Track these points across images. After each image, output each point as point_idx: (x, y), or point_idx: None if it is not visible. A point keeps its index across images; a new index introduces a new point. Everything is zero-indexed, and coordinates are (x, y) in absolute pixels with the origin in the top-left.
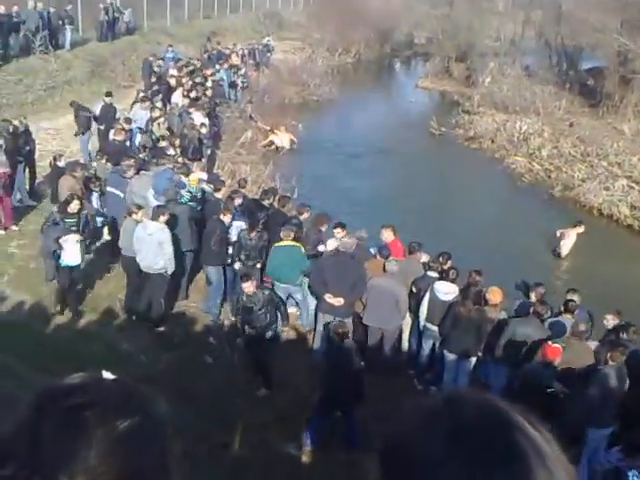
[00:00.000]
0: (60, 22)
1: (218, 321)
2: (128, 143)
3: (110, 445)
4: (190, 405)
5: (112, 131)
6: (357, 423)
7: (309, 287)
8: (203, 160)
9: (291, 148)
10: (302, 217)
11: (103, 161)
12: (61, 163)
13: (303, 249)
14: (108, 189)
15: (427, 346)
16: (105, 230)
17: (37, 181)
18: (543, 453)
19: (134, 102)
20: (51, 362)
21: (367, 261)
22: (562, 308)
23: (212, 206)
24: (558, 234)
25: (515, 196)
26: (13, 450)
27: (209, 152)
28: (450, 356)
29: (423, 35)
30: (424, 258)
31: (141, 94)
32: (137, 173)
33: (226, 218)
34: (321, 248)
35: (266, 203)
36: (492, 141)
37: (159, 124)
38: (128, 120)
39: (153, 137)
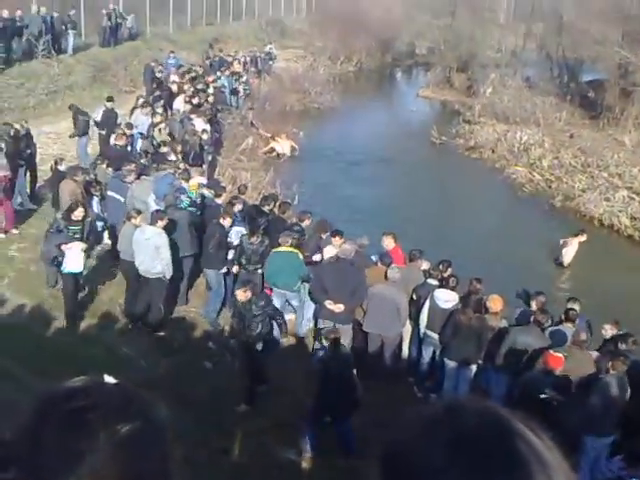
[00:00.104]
0: (63, 27)
1: (217, 326)
2: (129, 148)
3: (111, 449)
4: (189, 410)
5: (113, 136)
6: (354, 429)
7: (309, 293)
8: (204, 166)
9: (292, 155)
10: (303, 224)
11: (104, 166)
12: (62, 167)
13: (301, 255)
14: (109, 194)
15: (427, 354)
16: (105, 234)
17: (38, 185)
18: (544, 460)
19: (134, 107)
20: (50, 366)
21: (368, 268)
22: (563, 317)
23: (213, 212)
24: (561, 242)
25: (515, 206)
26: (15, 453)
27: (210, 158)
28: (450, 364)
29: (424, 45)
30: (425, 266)
31: (141, 100)
32: (138, 178)
33: (226, 222)
34: (316, 257)
35: (266, 209)
36: (493, 151)
37: (160, 130)
38: (129, 125)
39: (154, 142)
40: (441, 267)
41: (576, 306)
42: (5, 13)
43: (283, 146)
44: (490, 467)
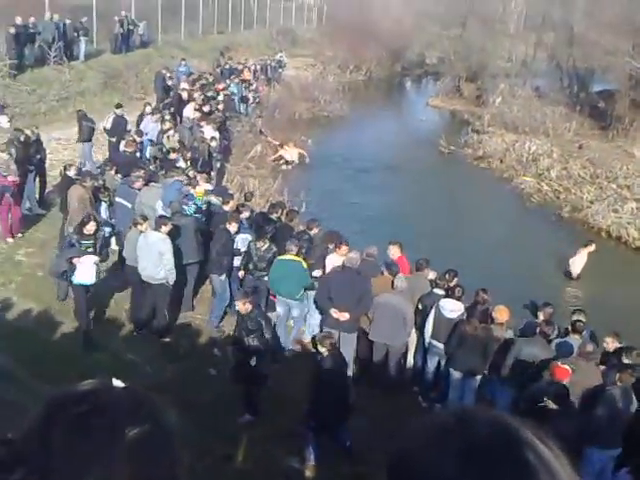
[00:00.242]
0: (75, 34)
1: (220, 332)
2: (138, 154)
3: (120, 452)
4: (193, 417)
5: (123, 142)
6: (358, 440)
7: (314, 301)
8: (212, 173)
9: (301, 162)
10: (312, 232)
11: (112, 172)
12: (71, 173)
13: (305, 264)
14: (117, 200)
15: (432, 363)
16: (113, 240)
17: (47, 190)
18: (553, 470)
19: (141, 114)
20: (56, 370)
21: (374, 277)
22: (570, 328)
23: (220, 219)
24: (571, 262)
25: (523, 216)
26: (23, 455)
27: (218, 165)
28: (456, 374)
29: (434, 55)
30: (431, 275)
31: (148, 107)
32: (146, 184)
33: (232, 227)
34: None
35: (274, 217)
36: (501, 161)
37: (168, 137)
38: (139, 132)
39: (163, 149)
40: (447, 277)
41: (582, 318)
42: (19, 20)
43: (291, 154)
44: (501, 477)
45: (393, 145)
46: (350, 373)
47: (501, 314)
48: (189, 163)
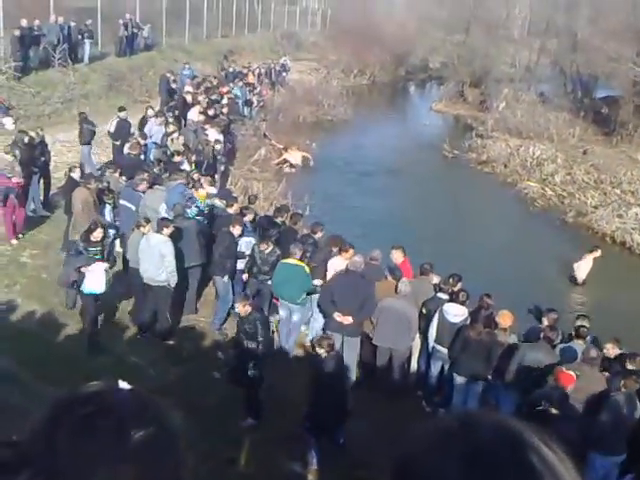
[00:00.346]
0: (80, 36)
1: (223, 334)
2: (142, 157)
3: (125, 454)
4: (197, 420)
5: (127, 145)
6: (362, 445)
7: (318, 305)
8: (216, 176)
9: (305, 165)
10: (316, 236)
11: (117, 174)
12: (75, 175)
13: (308, 269)
14: (121, 202)
15: (435, 368)
16: (117, 242)
17: (51, 192)
18: (558, 474)
19: (143, 117)
20: (60, 372)
21: (378, 282)
22: (573, 334)
23: (225, 222)
24: (575, 267)
25: (527, 221)
26: (29, 456)
27: (222, 168)
28: (459, 379)
29: (438, 60)
30: (435, 279)
31: (150, 110)
32: (151, 187)
33: (235, 230)
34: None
35: (279, 220)
36: (505, 166)
37: (172, 139)
38: (143, 135)
39: (168, 152)
40: (451, 281)
41: (585, 323)
42: (24, 22)
43: (295, 157)
44: None
45: (397, 149)
46: (353, 377)
47: (504, 319)
48: (194, 166)
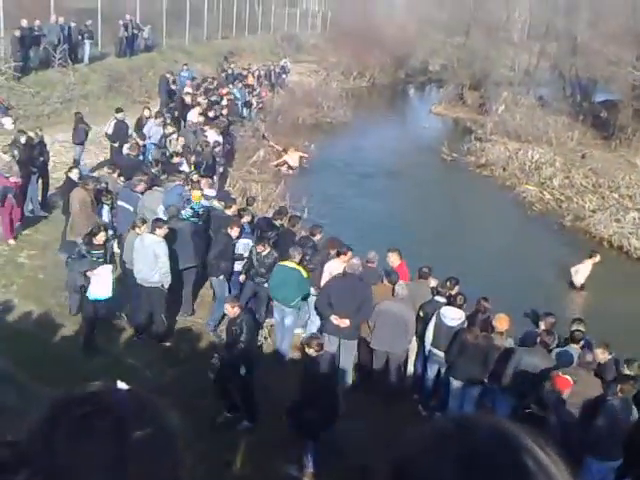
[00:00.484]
0: (80, 37)
1: (218, 336)
2: (141, 157)
3: (123, 454)
4: (192, 422)
5: (126, 145)
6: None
7: (315, 308)
8: (215, 177)
9: (301, 165)
10: (315, 238)
11: (115, 175)
12: (73, 175)
13: (305, 274)
14: (119, 203)
15: (432, 372)
16: (115, 243)
17: (49, 192)
18: (552, 476)
19: (139, 118)
20: (56, 373)
21: (374, 285)
22: (569, 338)
23: (222, 223)
24: (573, 271)
25: (525, 224)
26: (27, 456)
27: (221, 170)
28: (456, 383)
29: (438, 62)
30: (432, 283)
31: (147, 111)
32: (150, 188)
33: (233, 232)
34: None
35: (278, 223)
36: (504, 169)
37: (170, 140)
38: (142, 135)
39: (167, 153)
40: (449, 284)
41: (581, 327)
42: (24, 22)
43: (294, 159)
44: None
45: (395, 152)
46: (350, 380)
47: (501, 323)
48: (193, 167)
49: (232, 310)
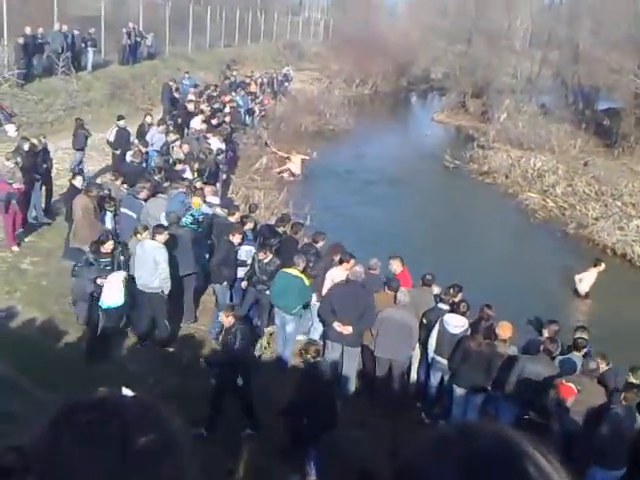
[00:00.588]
0: (83, 44)
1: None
2: (144, 164)
3: (128, 460)
4: (194, 429)
5: (129, 152)
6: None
7: (318, 315)
8: (217, 185)
9: (303, 170)
10: (318, 245)
11: (118, 182)
12: (77, 182)
13: (308, 282)
14: (122, 210)
15: (435, 379)
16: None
17: (53, 199)
18: None
19: (141, 125)
20: (58, 380)
21: (377, 293)
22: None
23: (224, 229)
24: (577, 279)
25: (528, 232)
26: (32, 461)
27: (224, 177)
28: (459, 390)
29: (440, 70)
30: (435, 290)
31: (148, 117)
32: (153, 195)
33: (235, 239)
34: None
35: (280, 230)
36: (506, 176)
37: (172, 147)
38: (145, 143)
39: (170, 160)
40: (452, 292)
41: (584, 335)
42: (28, 30)
43: (297, 165)
44: None
45: (398, 159)
46: (352, 387)
47: (504, 330)
48: (196, 174)
49: (227, 319)
